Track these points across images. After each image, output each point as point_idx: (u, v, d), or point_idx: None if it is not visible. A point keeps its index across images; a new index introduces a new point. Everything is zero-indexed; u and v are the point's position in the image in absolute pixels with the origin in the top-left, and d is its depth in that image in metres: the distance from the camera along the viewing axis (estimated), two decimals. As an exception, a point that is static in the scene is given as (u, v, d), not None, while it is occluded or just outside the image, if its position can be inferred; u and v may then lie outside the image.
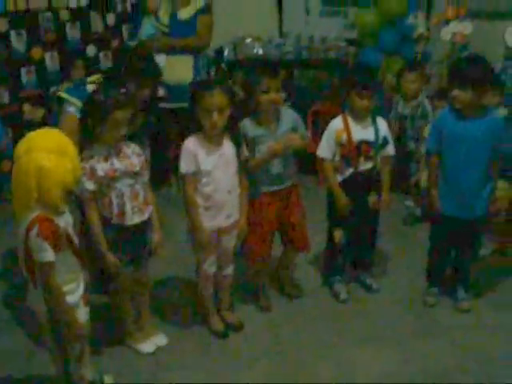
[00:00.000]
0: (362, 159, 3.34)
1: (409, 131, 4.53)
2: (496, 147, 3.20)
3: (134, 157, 2.87)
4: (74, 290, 2.50)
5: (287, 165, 3.25)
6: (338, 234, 3.47)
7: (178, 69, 4.89)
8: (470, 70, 3.11)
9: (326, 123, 3.47)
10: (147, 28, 4.96)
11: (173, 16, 4.88)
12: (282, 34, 6.55)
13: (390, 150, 3.44)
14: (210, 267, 3.16)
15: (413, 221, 4.58)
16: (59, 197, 2.32)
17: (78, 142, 2.73)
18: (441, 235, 3.45)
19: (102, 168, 2.77)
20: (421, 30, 5.32)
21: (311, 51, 6.09)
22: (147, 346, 3.18)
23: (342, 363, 3.06)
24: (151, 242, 3.01)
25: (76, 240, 2.51)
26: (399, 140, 4.46)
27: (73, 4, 5.41)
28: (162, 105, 4.87)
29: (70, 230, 2.46)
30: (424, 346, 3.17)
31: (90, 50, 5.71)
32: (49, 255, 2.31)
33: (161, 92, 4.82)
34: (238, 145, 3.03)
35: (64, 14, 5.37)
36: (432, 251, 3.55)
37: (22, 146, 2.29)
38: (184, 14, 4.88)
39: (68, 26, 5.45)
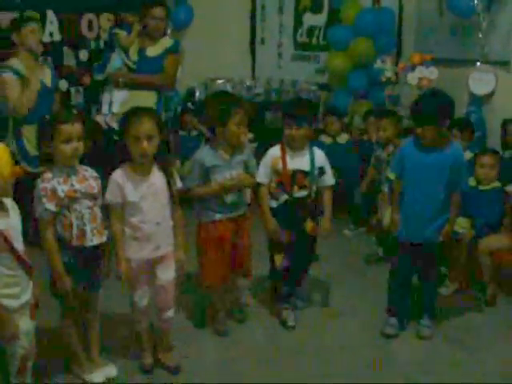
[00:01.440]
0: (295, 187, 3.44)
1: (383, 174, 4.51)
2: (456, 179, 3.28)
3: (91, 180, 2.89)
4: (16, 296, 2.50)
5: (241, 194, 3.38)
6: (278, 259, 3.50)
7: (139, 104, 4.84)
8: (428, 105, 3.24)
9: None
10: (116, 61, 5.00)
11: (141, 52, 4.93)
12: (254, 77, 6.64)
13: (328, 179, 3.54)
14: (140, 300, 3.05)
15: (375, 260, 4.55)
16: None
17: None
18: (399, 263, 3.49)
19: (62, 189, 2.77)
20: (388, 74, 5.42)
21: (281, 94, 6.18)
22: (96, 377, 3.07)
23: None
24: (105, 266, 2.99)
25: (20, 245, 2.49)
26: (373, 182, 4.66)
27: (46, 38, 5.45)
28: (116, 137, 4.86)
29: (13, 234, 2.44)
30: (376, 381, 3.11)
31: (62, 85, 5.72)
32: None
33: (116, 125, 4.84)
34: (167, 175, 2.99)
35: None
36: (391, 281, 3.55)
37: None
38: (152, 51, 4.93)
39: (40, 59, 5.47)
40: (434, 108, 3.21)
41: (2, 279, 2.43)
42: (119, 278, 2.98)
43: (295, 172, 3.44)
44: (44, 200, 2.73)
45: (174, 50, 4.98)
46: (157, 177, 2.97)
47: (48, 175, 2.77)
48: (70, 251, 2.84)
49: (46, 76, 4.66)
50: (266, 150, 3.54)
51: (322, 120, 5.43)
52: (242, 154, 3.35)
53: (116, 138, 4.90)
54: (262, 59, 6.75)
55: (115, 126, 4.90)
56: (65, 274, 2.81)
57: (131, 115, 2.91)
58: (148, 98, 4.89)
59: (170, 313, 3.14)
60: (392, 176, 3.46)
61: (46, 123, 2.84)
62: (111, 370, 3.13)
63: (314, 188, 3.50)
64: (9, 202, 2.50)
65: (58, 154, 2.77)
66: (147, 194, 2.92)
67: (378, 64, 5.51)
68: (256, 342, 3.47)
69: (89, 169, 2.94)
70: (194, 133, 5.80)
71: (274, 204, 3.48)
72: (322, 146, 5.08)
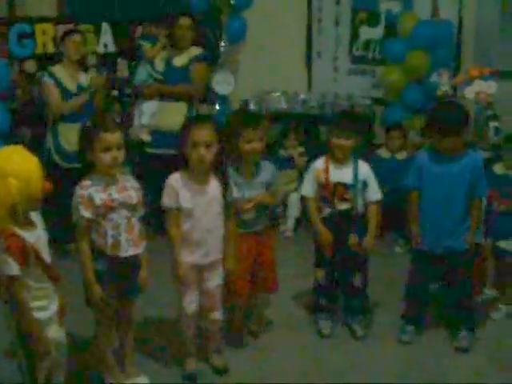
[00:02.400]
0: (336, 200, 3.39)
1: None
2: (476, 185, 3.27)
3: (132, 190, 2.88)
4: (46, 308, 2.51)
5: (259, 212, 3.32)
6: (320, 273, 3.54)
7: (169, 115, 4.92)
8: (453, 115, 3.26)
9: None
10: (141, 74, 5.07)
11: (168, 63, 4.98)
12: (309, 90, 6.56)
13: (372, 195, 3.46)
14: (189, 305, 3.09)
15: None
16: (2, 217, 2.32)
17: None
18: (418, 272, 3.45)
19: (100, 197, 2.77)
20: (444, 88, 5.24)
21: (336, 107, 6.07)
22: None
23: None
24: (142, 278, 2.98)
25: (48, 257, 2.49)
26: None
27: (100, 49, 5.56)
28: (150, 150, 4.97)
29: (41, 246, 2.45)
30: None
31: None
32: (13, 269, 2.32)
33: (146, 137, 4.87)
34: (225, 184, 3.02)
35: (91, 59, 5.52)
36: (409, 288, 3.51)
37: None
38: (179, 61, 4.99)
39: (93, 70, 5.58)
40: (459, 118, 3.22)
41: (32, 292, 2.44)
42: (175, 281, 3.02)
43: (336, 184, 3.39)
44: (80, 207, 2.74)
45: (202, 58, 5.03)
46: (212, 186, 2.99)
47: (87, 182, 2.79)
48: (105, 260, 2.82)
49: (84, 81, 4.79)
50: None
51: (384, 134, 5.41)
52: (263, 173, 3.30)
53: (148, 150, 4.98)
54: (318, 72, 6.63)
55: (145, 138, 4.95)
56: (95, 283, 2.81)
57: (192, 122, 2.98)
58: (178, 110, 4.94)
59: (217, 315, 3.18)
60: (412, 187, 3.42)
61: (87, 130, 2.84)
62: (143, 380, 3.10)
63: (360, 202, 3.43)
64: (34, 214, 2.51)
65: (98, 162, 2.77)
66: (201, 201, 2.94)
67: (433, 77, 5.34)
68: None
69: (131, 179, 2.95)
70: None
71: (319, 216, 3.46)
72: (379, 160, 5.04)
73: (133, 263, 2.90)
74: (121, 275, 2.88)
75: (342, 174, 3.41)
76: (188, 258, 3.00)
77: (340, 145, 3.37)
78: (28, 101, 5.30)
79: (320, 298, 3.64)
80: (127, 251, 2.84)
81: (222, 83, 5.90)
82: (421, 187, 3.36)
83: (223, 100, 5.85)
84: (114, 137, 2.77)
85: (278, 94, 6.29)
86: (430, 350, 3.43)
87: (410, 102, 5.60)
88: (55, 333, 2.57)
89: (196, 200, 2.94)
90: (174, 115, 4.87)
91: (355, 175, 3.41)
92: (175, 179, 2.96)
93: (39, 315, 2.46)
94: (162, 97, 4.98)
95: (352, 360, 3.36)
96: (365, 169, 3.46)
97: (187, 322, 3.14)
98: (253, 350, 3.47)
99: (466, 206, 3.30)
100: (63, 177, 4.30)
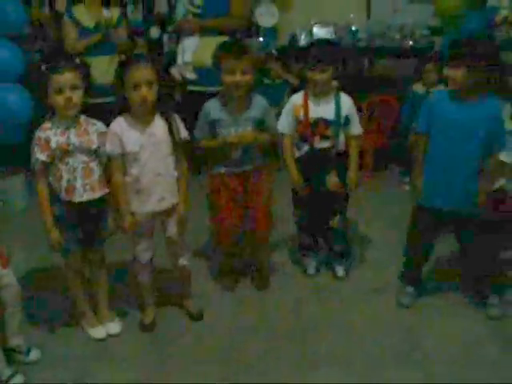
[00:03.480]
0: (317, 138, 3.12)
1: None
2: (493, 137, 2.76)
3: (94, 135, 2.76)
4: None
5: (247, 151, 3.08)
6: (297, 212, 3.39)
7: (210, 50, 4.59)
8: (465, 47, 2.73)
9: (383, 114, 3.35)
10: (180, 9, 4.75)
11: None
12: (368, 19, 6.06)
13: (354, 129, 3.17)
14: (142, 253, 2.95)
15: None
16: None
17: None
18: (418, 229, 3.05)
19: (56, 140, 2.69)
20: (504, 12, 4.59)
21: (387, 39, 5.54)
22: (97, 332, 2.99)
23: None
24: (108, 223, 2.88)
25: None
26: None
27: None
28: (192, 87, 4.73)
29: None
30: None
31: (154, 32, 5.58)
32: None
33: (190, 75, 4.63)
34: (169, 124, 2.80)
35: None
36: (409, 246, 3.13)
37: None
38: None
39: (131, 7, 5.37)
40: (486, 48, 2.71)
41: None
42: (123, 231, 2.85)
43: (317, 120, 3.11)
44: (37, 150, 2.68)
45: None
46: (158, 125, 2.79)
47: (47, 125, 2.73)
48: (61, 204, 2.73)
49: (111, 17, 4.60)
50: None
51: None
52: (252, 109, 3.03)
53: (192, 88, 4.75)
54: (377, 2, 6.13)
55: (189, 75, 4.72)
56: (52, 227, 2.73)
57: (128, 63, 2.72)
58: (218, 43, 4.60)
59: (183, 260, 3.04)
60: (422, 131, 2.96)
61: (42, 74, 2.69)
62: (115, 327, 3.01)
63: (342, 139, 3.15)
64: None
65: (54, 104, 2.68)
66: (147, 143, 2.75)
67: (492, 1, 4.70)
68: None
69: (98, 123, 2.81)
70: (279, 81, 5.38)
71: (297, 155, 3.23)
72: (414, 95, 4.55)
73: (90, 209, 2.78)
74: (78, 221, 2.78)
75: (323, 110, 3.11)
76: (141, 207, 2.83)
77: (314, 79, 3.05)
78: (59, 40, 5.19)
79: (301, 236, 3.47)
80: (82, 196, 2.72)
81: (265, 15, 5.58)
82: (429, 132, 2.91)
83: (269, 33, 5.49)
84: (64, 77, 2.62)
85: (326, 25, 5.81)
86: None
87: (468, 30, 4.96)
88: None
89: (141, 142, 2.75)
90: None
91: (337, 111, 3.09)
92: (118, 123, 2.77)
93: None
94: (203, 32, 4.68)
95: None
96: (348, 103, 3.14)
97: (141, 271, 3.01)
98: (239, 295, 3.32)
99: (480, 161, 2.82)
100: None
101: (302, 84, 3.28)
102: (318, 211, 3.31)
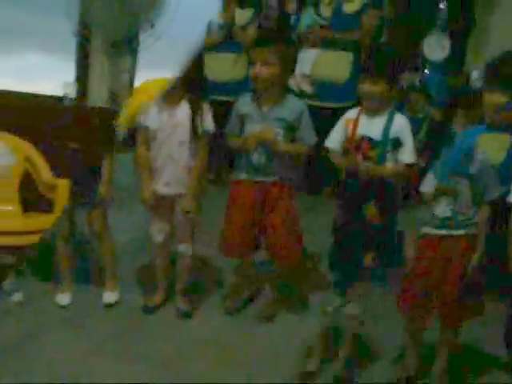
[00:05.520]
0: (359, 157, 2.61)
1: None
2: None
3: None
4: None
5: (272, 158, 2.84)
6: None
7: (331, 65, 4.54)
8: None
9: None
10: (305, 19, 4.69)
11: (337, 8, 4.51)
12: None
13: (405, 156, 2.61)
14: (156, 234, 2.97)
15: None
16: None
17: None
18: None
19: None
20: None
21: None
22: (60, 298, 3.06)
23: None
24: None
25: None
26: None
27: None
28: (309, 102, 4.59)
29: None
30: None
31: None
32: None
33: (307, 87, 4.54)
34: (194, 111, 2.78)
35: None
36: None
37: None
38: (351, 6, 4.48)
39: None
40: None
41: None
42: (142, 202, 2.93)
43: (362, 138, 2.64)
44: None
45: (377, 3, 4.46)
46: (182, 109, 2.81)
47: None
48: None
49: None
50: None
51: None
52: (283, 109, 2.83)
53: (309, 102, 4.64)
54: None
55: (306, 88, 4.65)
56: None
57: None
58: (341, 58, 4.51)
59: (184, 248, 2.96)
60: None
61: None
62: (109, 297, 3.08)
63: (388, 164, 2.64)
64: None
65: None
66: (166, 125, 2.79)
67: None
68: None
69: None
70: (420, 115, 4.70)
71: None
72: None
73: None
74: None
75: (371, 127, 2.63)
76: (153, 186, 2.87)
77: (364, 92, 2.62)
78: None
79: (332, 270, 2.84)
80: None
81: (434, 47, 5.13)
82: None
83: (435, 68, 5.14)
84: None
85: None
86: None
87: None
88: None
89: (161, 121, 2.78)
90: (335, 65, 4.55)
91: (385, 130, 2.62)
92: (157, 98, 2.82)
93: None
94: (325, 44, 4.63)
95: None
96: (400, 123, 2.63)
97: (155, 251, 3.05)
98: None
99: None
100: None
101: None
102: (352, 245, 2.72)
